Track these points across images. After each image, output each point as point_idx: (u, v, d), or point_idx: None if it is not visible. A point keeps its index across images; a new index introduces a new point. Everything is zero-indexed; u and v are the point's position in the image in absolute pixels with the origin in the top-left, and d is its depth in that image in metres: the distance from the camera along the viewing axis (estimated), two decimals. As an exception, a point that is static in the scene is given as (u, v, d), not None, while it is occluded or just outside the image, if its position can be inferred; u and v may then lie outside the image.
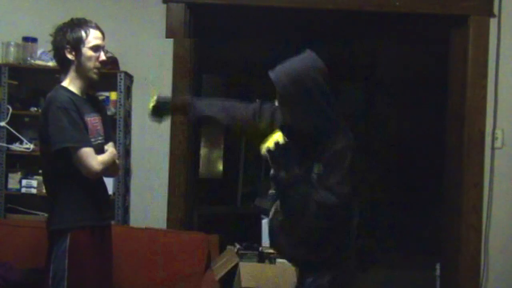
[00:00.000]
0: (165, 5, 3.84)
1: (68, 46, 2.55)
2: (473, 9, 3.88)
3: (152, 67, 3.87)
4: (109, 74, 3.63)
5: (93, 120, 2.62)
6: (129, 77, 3.79)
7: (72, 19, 2.62)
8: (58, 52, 2.59)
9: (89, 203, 2.58)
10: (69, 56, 2.56)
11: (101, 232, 2.64)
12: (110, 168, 2.63)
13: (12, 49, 3.68)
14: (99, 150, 2.59)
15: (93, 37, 2.58)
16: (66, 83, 2.59)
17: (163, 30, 3.85)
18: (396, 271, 5.69)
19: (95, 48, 2.58)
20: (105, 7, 3.83)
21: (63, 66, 2.61)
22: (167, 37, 3.85)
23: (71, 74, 2.59)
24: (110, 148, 2.68)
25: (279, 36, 5.66)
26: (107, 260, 2.70)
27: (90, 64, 2.58)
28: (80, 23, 2.59)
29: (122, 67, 3.74)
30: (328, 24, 5.27)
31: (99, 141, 2.63)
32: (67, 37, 2.55)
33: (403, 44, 6.23)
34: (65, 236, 2.50)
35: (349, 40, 6.32)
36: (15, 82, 3.71)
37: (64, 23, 2.60)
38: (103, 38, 2.64)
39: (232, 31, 5.57)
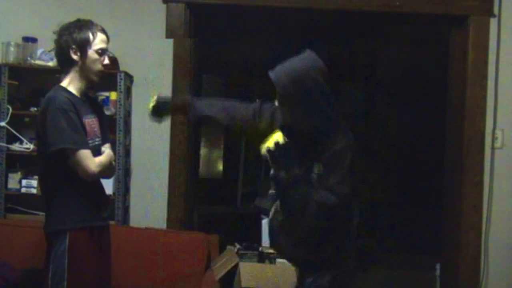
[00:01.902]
0: (165, 5, 3.84)
1: (74, 46, 2.53)
2: (473, 9, 3.88)
3: (152, 67, 3.87)
4: (109, 74, 3.63)
5: (91, 122, 2.61)
6: (129, 77, 3.79)
7: (78, 20, 2.60)
8: (62, 51, 2.56)
9: (87, 203, 2.57)
10: (74, 57, 2.54)
11: (100, 232, 2.64)
12: (106, 170, 2.63)
13: (12, 49, 3.68)
14: (96, 151, 2.59)
15: (99, 40, 2.58)
16: (65, 83, 2.57)
17: (163, 30, 3.85)
18: (396, 271, 5.69)
19: (101, 52, 2.58)
20: (105, 7, 3.84)
21: (65, 66, 2.59)
22: (167, 37, 3.85)
23: (72, 74, 2.57)
24: (107, 150, 2.67)
25: (279, 36, 5.66)
26: (106, 260, 2.70)
27: (94, 67, 2.57)
28: (87, 25, 2.58)
29: (122, 67, 3.74)
30: (328, 24, 5.27)
31: (96, 143, 2.62)
32: (73, 37, 2.53)
33: (403, 44, 6.23)
34: (64, 236, 2.49)
35: (349, 40, 6.31)
36: (15, 82, 3.71)
37: (71, 23, 2.58)
38: (108, 41, 2.64)
39: (232, 31, 5.56)
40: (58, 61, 2.65)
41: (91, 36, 2.55)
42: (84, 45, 2.54)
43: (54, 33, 2.59)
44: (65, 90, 2.55)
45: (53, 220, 2.56)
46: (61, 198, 2.54)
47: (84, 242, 2.53)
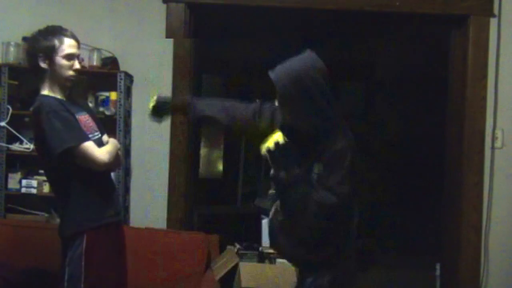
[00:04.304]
0: (165, 5, 3.84)
1: (41, 54, 2.51)
2: (473, 9, 3.88)
3: (152, 67, 3.87)
4: (109, 74, 3.63)
5: (84, 118, 2.61)
6: (129, 77, 3.79)
7: (47, 27, 2.58)
8: (31, 60, 2.55)
9: (100, 201, 2.57)
10: (42, 65, 2.52)
11: (115, 228, 2.64)
12: (114, 159, 2.60)
13: (12, 49, 3.68)
14: (98, 144, 2.58)
15: (67, 45, 2.54)
16: (46, 91, 2.56)
17: (163, 30, 3.85)
18: (396, 271, 5.69)
19: (69, 57, 2.55)
20: (105, 8, 3.83)
21: (37, 74, 2.57)
22: (167, 37, 3.85)
23: (48, 82, 2.56)
24: (110, 139, 2.65)
25: (279, 36, 5.66)
26: (122, 256, 2.69)
27: (64, 73, 2.55)
28: (54, 31, 2.55)
29: (122, 67, 3.74)
30: (328, 24, 5.27)
31: (96, 137, 2.62)
32: (40, 45, 2.52)
33: (403, 44, 6.23)
34: (81, 238, 2.49)
35: (349, 40, 6.32)
36: (15, 82, 3.70)
37: (39, 30, 2.57)
38: (78, 46, 2.61)
39: (232, 31, 5.56)
40: (30, 70, 2.62)
41: (57, 43, 2.52)
42: (50, 52, 2.52)
43: (23, 39, 2.58)
44: (48, 96, 2.54)
45: (69, 224, 2.55)
46: (74, 200, 2.53)
47: (101, 242, 2.52)
